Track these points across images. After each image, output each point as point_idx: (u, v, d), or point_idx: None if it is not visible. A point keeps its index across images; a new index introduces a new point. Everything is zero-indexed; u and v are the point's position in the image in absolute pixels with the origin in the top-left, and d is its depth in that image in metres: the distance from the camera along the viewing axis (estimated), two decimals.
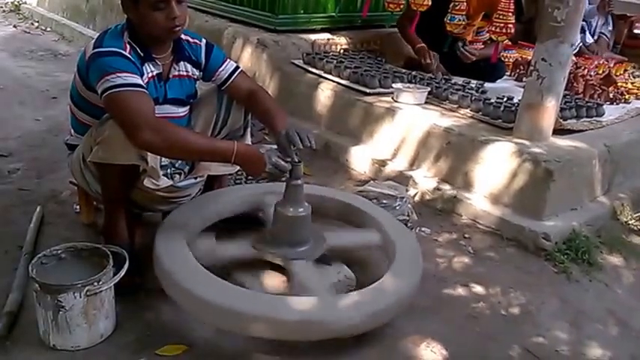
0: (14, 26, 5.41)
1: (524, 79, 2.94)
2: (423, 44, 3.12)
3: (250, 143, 1.94)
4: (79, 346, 1.42)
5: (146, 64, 1.63)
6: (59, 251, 1.50)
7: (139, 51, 1.61)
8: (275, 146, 1.65)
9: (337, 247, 1.75)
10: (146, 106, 1.50)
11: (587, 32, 4.04)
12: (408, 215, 2.01)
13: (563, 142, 2.37)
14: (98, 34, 1.63)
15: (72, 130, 1.78)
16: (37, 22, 5.60)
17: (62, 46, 4.77)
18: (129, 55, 1.56)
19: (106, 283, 1.41)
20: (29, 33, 5.22)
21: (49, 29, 5.35)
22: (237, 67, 1.83)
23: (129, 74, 1.50)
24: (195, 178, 1.82)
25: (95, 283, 1.39)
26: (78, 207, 2.00)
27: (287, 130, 1.64)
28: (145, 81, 1.60)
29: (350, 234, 1.88)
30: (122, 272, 1.45)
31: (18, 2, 6.05)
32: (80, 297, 1.37)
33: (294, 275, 1.57)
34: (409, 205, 2.04)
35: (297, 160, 1.60)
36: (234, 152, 1.53)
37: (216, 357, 1.45)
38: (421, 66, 3.23)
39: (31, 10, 5.88)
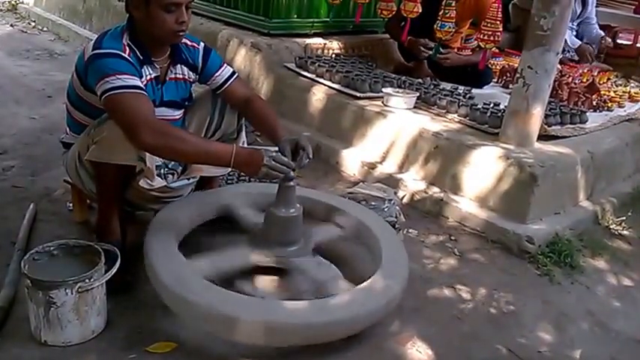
0: (11, 25, 5.42)
1: (510, 85, 2.98)
2: (411, 38, 3.15)
3: (245, 145, 1.97)
4: (70, 342, 1.42)
5: (145, 67, 1.65)
6: (51, 248, 1.51)
7: (138, 53, 1.62)
8: (274, 148, 1.67)
9: (324, 241, 1.78)
10: (146, 107, 1.52)
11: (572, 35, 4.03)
12: (396, 217, 2.03)
13: (547, 147, 2.41)
14: (98, 35, 1.64)
15: (67, 129, 1.80)
16: (34, 21, 5.60)
17: (58, 46, 4.78)
18: (128, 57, 1.57)
19: (97, 280, 1.43)
20: (26, 32, 5.23)
21: (45, 29, 5.35)
22: (233, 73, 1.85)
23: (129, 76, 1.52)
24: (189, 178, 1.85)
25: (87, 280, 1.40)
26: (71, 205, 2.02)
27: (289, 138, 1.66)
28: (143, 83, 1.61)
29: (333, 228, 1.88)
30: (114, 270, 1.47)
31: (15, 2, 6.05)
32: (72, 293, 1.38)
33: (305, 272, 1.60)
34: (397, 207, 2.06)
35: (294, 166, 1.62)
36: (232, 155, 1.53)
37: (205, 355, 1.46)
38: (411, 71, 3.28)
39: (28, 9, 5.88)
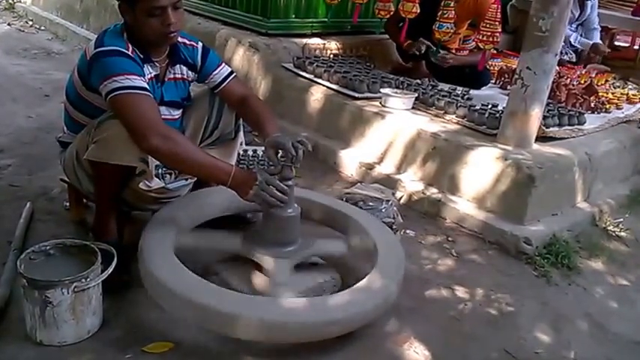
0: (8, 24, 5.41)
1: (508, 86, 2.99)
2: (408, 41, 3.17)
3: (243, 146, 1.96)
4: (65, 342, 1.42)
5: (146, 65, 1.65)
6: (48, 247, 1.51)
7: (138, 52, 1.62)
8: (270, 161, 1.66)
9: (325, 253, 1.78)
10: (154, 111, 1.53)
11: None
12: (394, 218, 2.03)
13: (545, 148, 2.41)
14: (98, 35, 1.64)
15: (65, 128, 1.79)
16: (32, 20, 5.60)
17: (56, 45, 4.78)
18: (132, 55, 1.57)
19: (93, 279, 1.42)
20: (23, 31, 5.23)
21: (43, 28, 5.35)
22: (231, 72, 1.85)
23: (136, 77, 1.52)
24: (186, 179, 1.85)
25: (83, 280, 1.40)
26: (68, 204, 2.01)
27: (275, 137, 1.65)
28: (146, 82, 1.61)
29: (337, 243, 1.86)
30: (110, 269, 1.46)
31: (12, 1, 6.04)
32: (68, 293, 1.38)
33: (270, 274, 1.60)
34: (395, 208, 2.05)
35: (281, 169, 1.61)
36: (231, 176, 1.54)
37: (202, 355, 1.46)
38: (409, 72, 3.28)
39: (25, 8, 5.88)
